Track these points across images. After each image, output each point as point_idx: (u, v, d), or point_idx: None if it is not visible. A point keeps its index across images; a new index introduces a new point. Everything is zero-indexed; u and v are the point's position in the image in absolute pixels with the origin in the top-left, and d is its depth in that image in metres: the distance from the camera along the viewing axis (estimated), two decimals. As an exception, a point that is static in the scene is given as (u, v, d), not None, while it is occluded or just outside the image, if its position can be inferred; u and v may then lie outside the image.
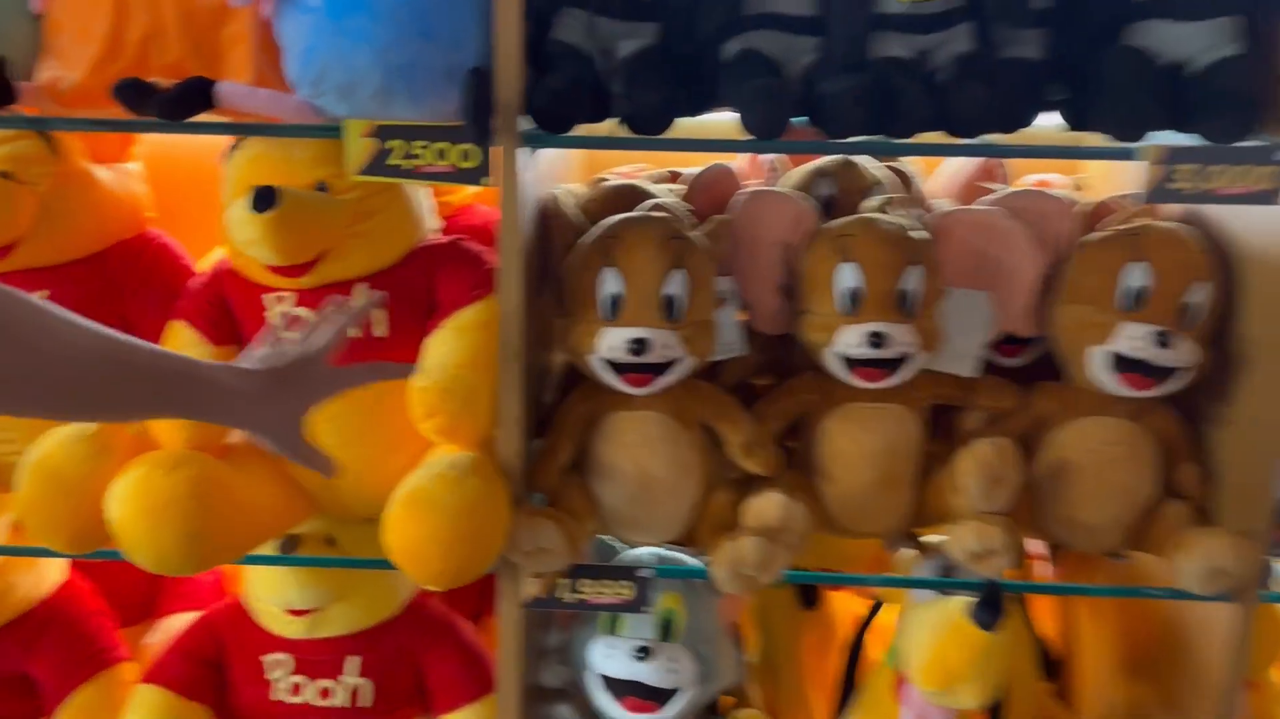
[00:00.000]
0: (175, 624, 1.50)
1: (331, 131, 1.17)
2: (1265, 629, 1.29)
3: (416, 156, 1.16)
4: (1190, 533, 1.22)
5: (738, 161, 1.53)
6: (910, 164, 1.50)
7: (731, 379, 1.41)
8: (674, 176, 1.60)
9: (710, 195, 1.41)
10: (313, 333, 1.06)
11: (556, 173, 1.50)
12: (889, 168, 1.47)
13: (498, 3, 1.11)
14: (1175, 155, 1.11)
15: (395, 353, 1.25)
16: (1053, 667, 1.51)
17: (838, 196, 1.42)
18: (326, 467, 1.10)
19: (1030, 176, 1.61)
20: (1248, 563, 1.19)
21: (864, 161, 1.44)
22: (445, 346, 1.23)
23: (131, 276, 1.41)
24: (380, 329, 1.27)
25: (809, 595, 1.61)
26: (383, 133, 1.15)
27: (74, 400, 0.84)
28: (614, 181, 1.47)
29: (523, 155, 1.17)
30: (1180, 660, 1.37)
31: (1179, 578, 1.21)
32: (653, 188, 1.47)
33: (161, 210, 1.50)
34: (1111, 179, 1.58)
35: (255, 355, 1.02)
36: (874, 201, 1.32)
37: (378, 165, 1.16)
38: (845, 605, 1.63)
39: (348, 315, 1.09)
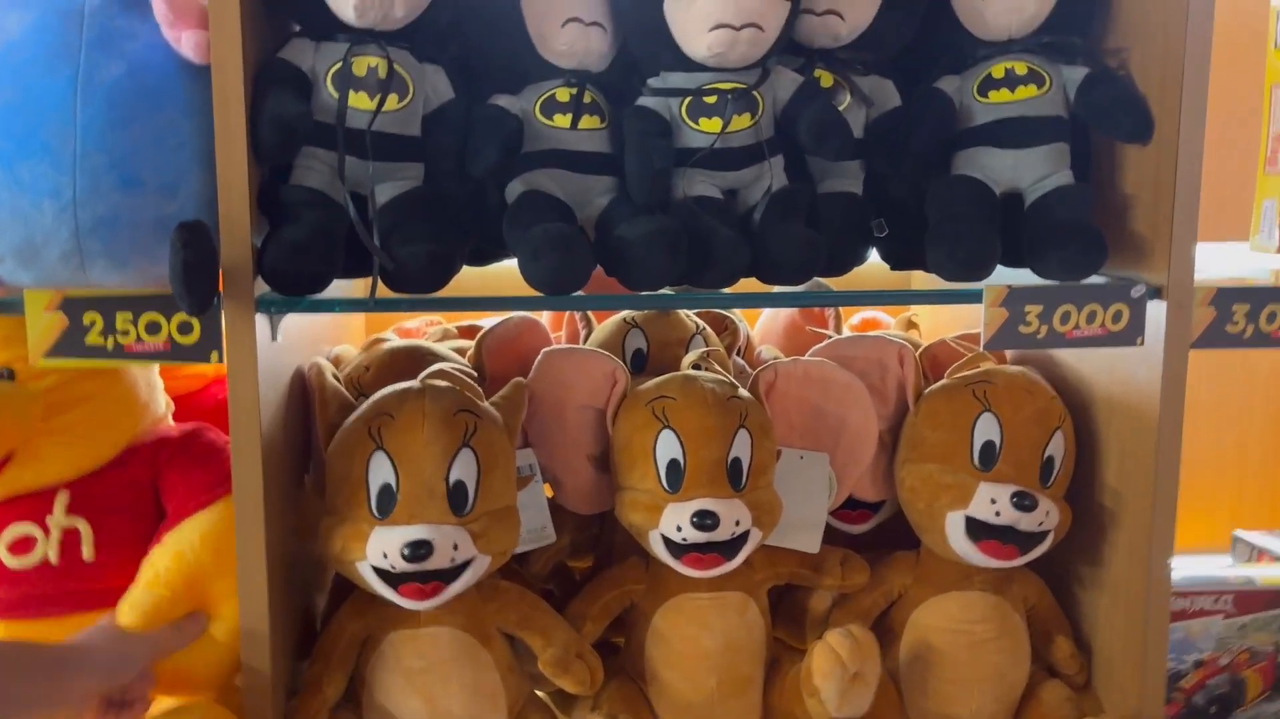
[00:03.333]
0: None
1: (11, 306, 0.92)
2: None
3: (121, 332, 0.92)
4: (1076, 724, 1.06)
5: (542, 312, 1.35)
6: (733, 309, 1.35)
7: (542, 566, 1.20)
8: (471, 331, 1.39)
9: (508, 352, 1.21)
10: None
11: (325, 333, 1.28)
12: (708, 314, 1.32)
13: (219, 141, 0.90)
14: (1022, 296, 0.99)
15: (107, 582, 0.98)
16: None
17: (650, 350, 1.25)
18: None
19: (855, 316, 1.49)
20: (1142, 754, 1.03)
21: (679, 309, 1.28)
22: (156, 567, 0.98)
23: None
24: (87, 551, 1.00)
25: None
26: (73, 305, 0.91)
27: None
28: (393, 343, 1.26)
29: (262, 323, 0.95)
30: None
31: (1069, 777, 1.05)
32: (442, 348, 1.26)
33: None
34: (941, 315, 1.47)
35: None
36: (690, 356, 1.15)
37: (71, 345, 0.92)
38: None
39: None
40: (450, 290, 0.99)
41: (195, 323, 0.92)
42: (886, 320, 1.50)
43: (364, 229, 0.95)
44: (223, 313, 0.93)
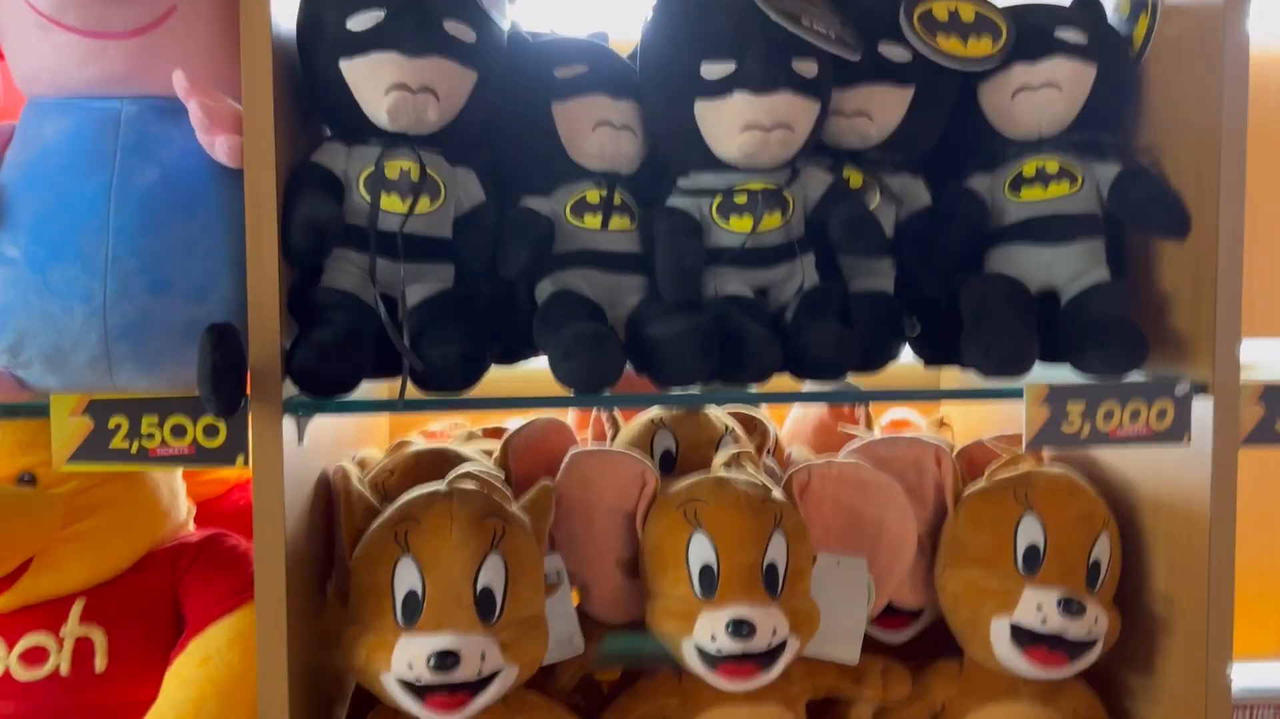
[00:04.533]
0: None
1: (38, 410, 0.91)
2: None
3: (146, 436, 0.90)
4: None
5: (568, 412, 1.33)
6: (761, 409, 1.34)
7: (569, 679, 1.16)
8: (496, 433, 1.38)
9: (534, 455, 1.19)
10: None
11: (349, 436, 1.26)
12: (737, 414, 1.30)
13: (250, 244, 0.90)
14: (1064, 394, 0.96)
15: (119, 695, 0.95)
16: None
17: (679, 450, 1.23)
18: None
19: (885, 417, 1.47)
20: None
21: (708, 409, 1.26)
22: (182, 675, 0.94)
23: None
24: (100, 661, 0.96)
25: None
26: (99, 409, 0.89)
27: None
28: (418, 445, 1.24)
29: (289, 426, 0.93)
30: None
31: None
32: (468, 450, 1.24)
33: None
34: (973, 416, 1.45)
35: None
36: (722, 457, 1.12)
37: (95, 450, 0.90)
38: None
39: None
40: (476, 391, 0.97)
41: (221, 426, 0.90)
42: (918, 421, 1.47)
43: (394, 331, 0.94)
44: (249, 415, 0.91)
